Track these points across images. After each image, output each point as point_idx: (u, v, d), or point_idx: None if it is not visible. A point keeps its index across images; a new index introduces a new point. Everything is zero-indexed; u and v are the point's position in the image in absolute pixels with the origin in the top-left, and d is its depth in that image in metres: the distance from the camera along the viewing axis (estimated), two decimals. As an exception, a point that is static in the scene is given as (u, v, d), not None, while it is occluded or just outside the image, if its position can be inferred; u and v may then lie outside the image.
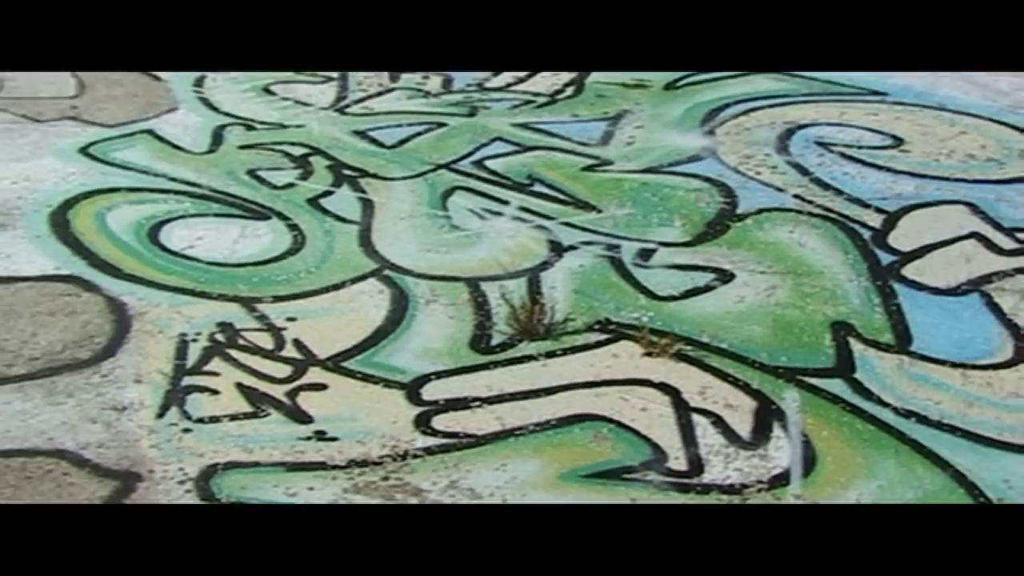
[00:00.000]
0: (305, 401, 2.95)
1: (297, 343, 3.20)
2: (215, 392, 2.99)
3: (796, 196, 4.09)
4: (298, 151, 4.46)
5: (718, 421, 2.88)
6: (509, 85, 5.19)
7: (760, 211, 3.99)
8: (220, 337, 3.22)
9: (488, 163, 4.35)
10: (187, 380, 3.03)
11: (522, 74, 5.30)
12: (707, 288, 3.51)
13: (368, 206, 4.02)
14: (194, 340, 3.20)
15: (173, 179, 4.22)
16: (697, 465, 2.75)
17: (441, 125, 4.72)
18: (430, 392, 3.00)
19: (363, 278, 3.56)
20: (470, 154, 4.43)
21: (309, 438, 2.82)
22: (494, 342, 3.23)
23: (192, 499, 2.61)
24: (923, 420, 2.89)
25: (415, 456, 2.77)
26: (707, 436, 2.83)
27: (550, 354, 3.16)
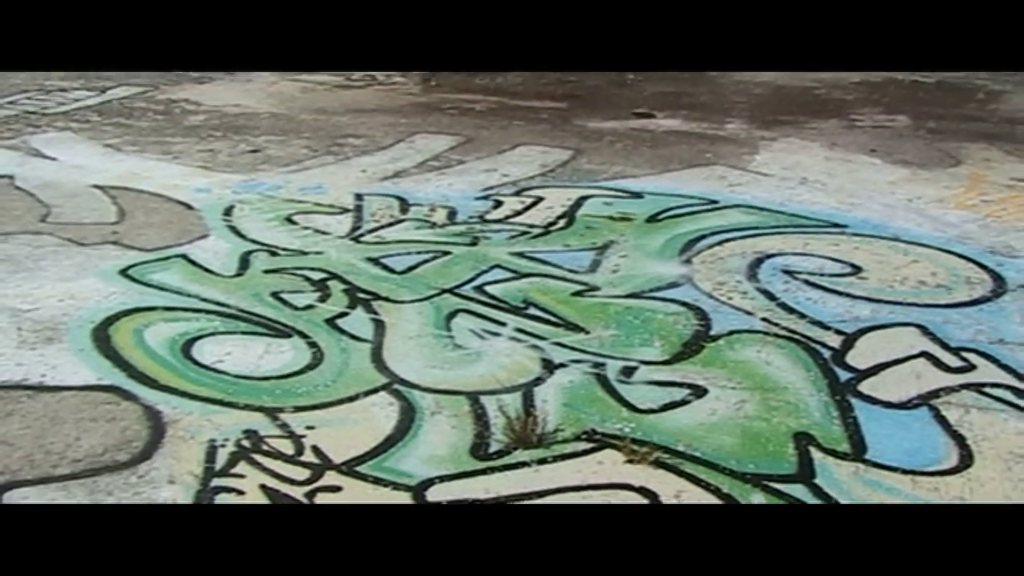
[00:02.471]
0: (321, 501, 3.00)
1: (315, 449, 3.26)
2: (241, 492, 3.04)
3: (764, 319, 4.17)
4: (317, 276, 4.55)
5: (692, 522, 2.96)
6: (507, 217, 5.32)
7: (731, 333, 4.05)
8: (246, 443, 3.29)
9: (488, 288, 4.42)
10: (216, 481, 3.09)
11: (519, 207, 5.45)
12: (683, 402, 3.57)
13: (380, 326, 4.09)
14: (222, 445, 3.27)
15: (204, 299, 4.31)
16: (673, 562, 2.82)
17: (446, 253, 4.81)
18: (434, 494, 3.05)
19: (375, 391, 3.62)
20: (472, 280, 4.51)
21: (325, 535, 2.91)
22: (492, 450, 3.28)
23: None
24: (876, 522, 2.96)
25: (420, 552, 2.84)
26: (682, 536, 2.91)
27: (542, 461, 3.21)
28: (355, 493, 3.06)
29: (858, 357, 3.89)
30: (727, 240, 5.00)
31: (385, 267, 4.67)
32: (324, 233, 5.10)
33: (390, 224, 5.24)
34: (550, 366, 3.80)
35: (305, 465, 3.19)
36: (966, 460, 3.26)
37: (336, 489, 3.07)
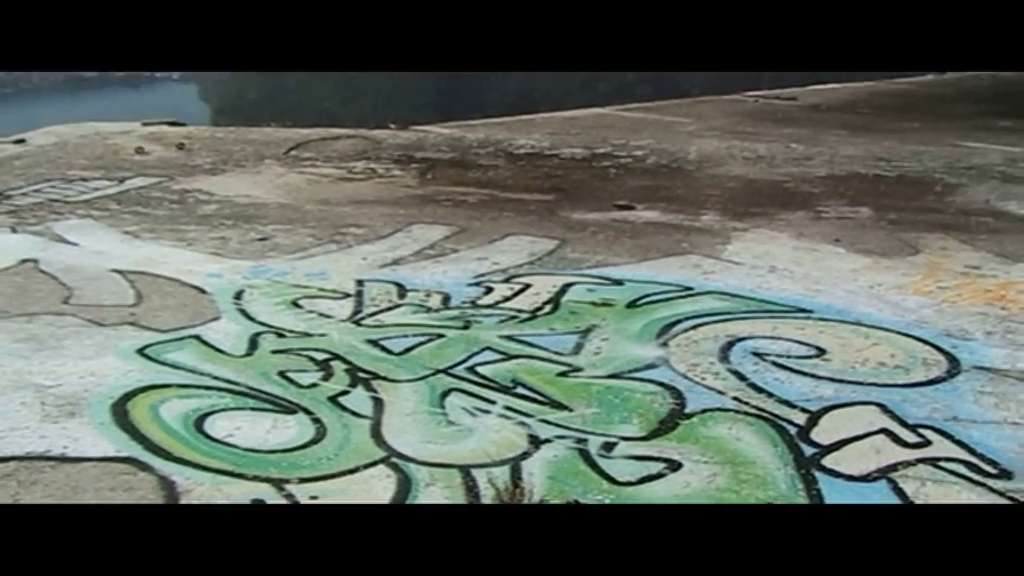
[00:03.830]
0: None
1: (318, 518, 3.35)
2: (249, 559, 3.12)
3: (735, 398, 4.25)
4: (321, 356, 4.62)
5: (667, 587, 3.02)
6: (497, 303, 5.38)
7: (704, 411, 4.14)
8: (254, 512, 3.35)
9: (479, 369, 4.49)
10: (225, 548, 3.18)
11: (509, 293, 5.52)
12: (659, 475, 3.65)
13: (379, 404, 4.17)
14: (232, 514, 3.36)
15: (216, 378, 4.38)
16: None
17: (440, 336, 4.87)
18: (428, 560, 3.13)
19: (374, 464, 3.70)
20: (464, 361, 4.57)
21: (327, 598, 2.95)
22: (482, 519, 3.38)
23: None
24: (837, 587, 3.02)
25: (415, 614, 2.90)
26: (658, 599, 2.98)
27: (528, 529, 3.31)
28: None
29: (822, 433, 3.97)
30: (701, 324, 5.07)
31: (384, 348, 4.74)
32: (327, 316, 5.17)
33: (389, 308, 5.31)
34: (536, 441, 3.87)
35: (309, 533, 3.26)
36: (921, 530, 3.35)
37: (337, 555, 3.13)
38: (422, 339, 4.84)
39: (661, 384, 4.38)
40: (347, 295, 5.49)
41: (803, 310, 5.30)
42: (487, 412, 4.11)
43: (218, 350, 4.72)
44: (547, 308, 5.32)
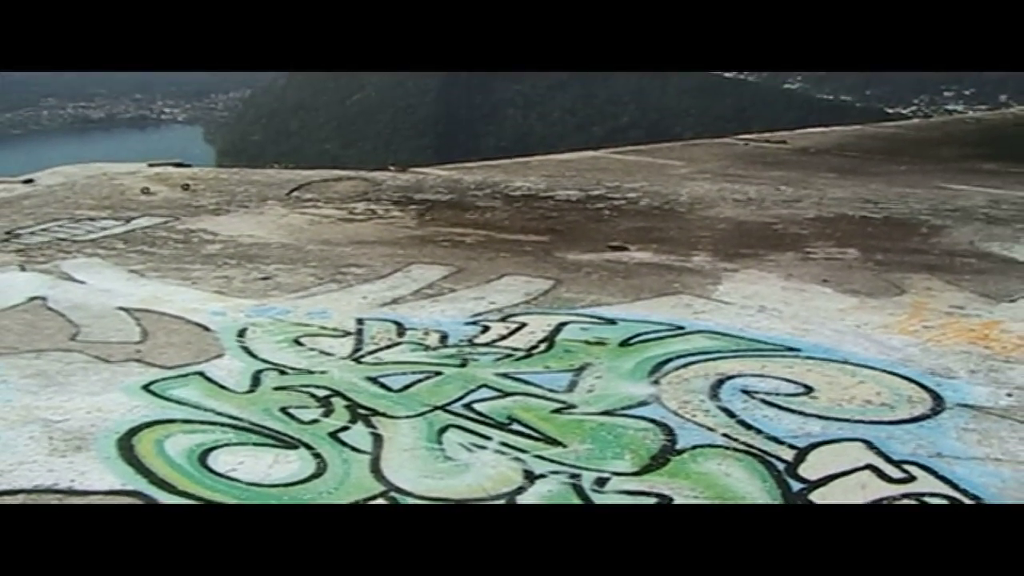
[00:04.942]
0: (324, 599, 3.10)
1: (318, 551, 3.37)
2: (251, 590, 3.14)
3: (724, 435, 4.29)
4: (321, 393, 4.65)
5: (657, 619, 3.03)
6: (494, 341, 5.42)
7: (695, 447, 4.17)
8: (256, 545, 3.40)
9: (475, 406, 4.52)
10: (228, 580, 3.19)
11: (505, 332, 5.55)
12: (651, 510, 3.68)
13: (378, 439, 4.20)
14: (234, 547, 3.38)
15: (219, 414, 4.41)
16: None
17: (438, 374, 4.90)
18: (425, 593, 3.15)
19: (373, 499, 3.73)
20: (461, 398, 4.60)
21: (327, 629, 2.96)
22: (478, 552, 3.40)
23: None
24: (822, 620, 3.04)
25: (412, 645, 2.91)
26: (648, 631, 3.00)
27: (523, 562, 3.34)
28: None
29: (809, 469, 4.00)
30: (692, 363, 5.10)
31: (383, 386, 4.77)
32: (328, 354, 5.19)
33: (388, 347, 5.34)
34: (531, 476, 3.91)
35: (309, 565, 3.28)
36: (905, 564, 3.38)
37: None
38: (420, 376, 4.87)
39: (653, 421, 4.41)
40: (347, 333, 5.52)
41: (791, 349, 5.34)
42: (483, 448, 4.15)
43: (222, 386, 4.74)
44: (542, 347, 5.35)
